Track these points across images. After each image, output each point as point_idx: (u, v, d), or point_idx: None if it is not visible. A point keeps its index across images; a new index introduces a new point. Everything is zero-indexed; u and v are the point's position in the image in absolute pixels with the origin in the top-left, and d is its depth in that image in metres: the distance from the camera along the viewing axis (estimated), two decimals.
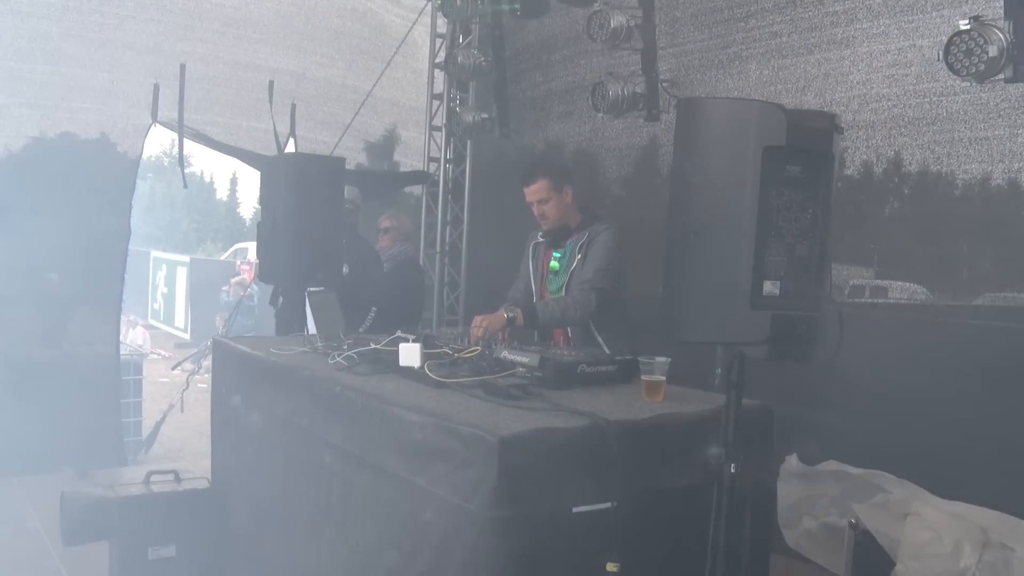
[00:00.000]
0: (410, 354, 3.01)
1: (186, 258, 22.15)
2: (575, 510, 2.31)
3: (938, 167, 4.23)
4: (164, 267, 21.50)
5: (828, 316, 2.16)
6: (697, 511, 2.50)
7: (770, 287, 2.09)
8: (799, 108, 3.88)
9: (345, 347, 3.37)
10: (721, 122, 2.12)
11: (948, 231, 4.40)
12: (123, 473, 6.15)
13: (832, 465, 4.20)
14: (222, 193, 47.49)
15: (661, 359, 2.79)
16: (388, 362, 3.13)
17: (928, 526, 3.67)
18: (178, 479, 3.91)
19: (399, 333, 3.37)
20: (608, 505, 2.33)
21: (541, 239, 4.12)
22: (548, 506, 2.26)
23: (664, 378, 2.78)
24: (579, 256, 3.88)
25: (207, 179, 45.11)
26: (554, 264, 4.02)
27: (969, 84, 3.78)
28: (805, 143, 2.09)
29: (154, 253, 23.30)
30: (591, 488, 2.33)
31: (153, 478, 3.87)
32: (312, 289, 4.00)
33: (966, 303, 4.35)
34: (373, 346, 3.29)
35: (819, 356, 2.16)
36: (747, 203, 2.05)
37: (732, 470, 2.23)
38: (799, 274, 2.12)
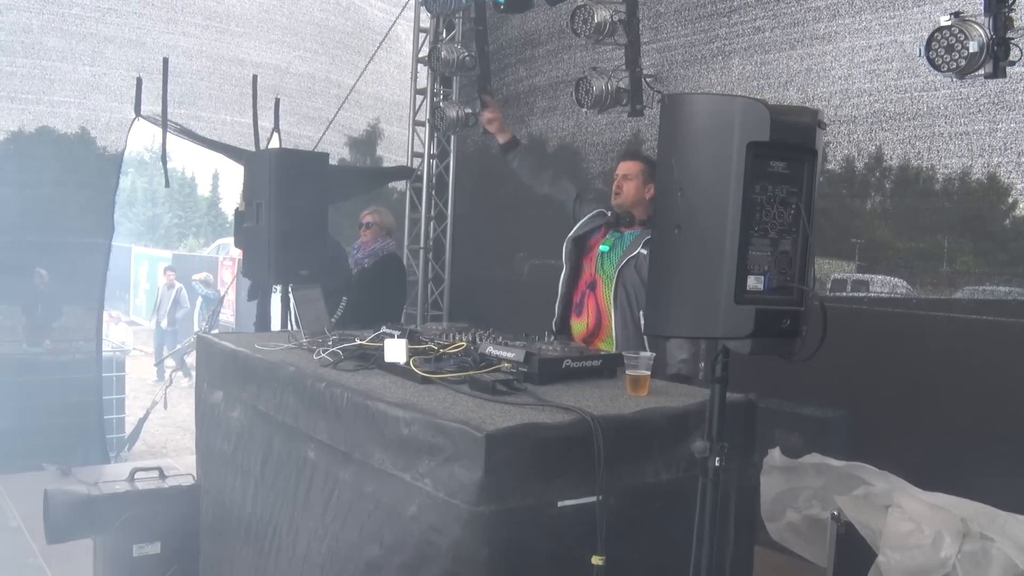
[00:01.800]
0: (395, 350, 3.01)
1: (168, 254, 22.04)
2: (560, 504, 2.31)
3: (919, 162, 4.27)
4: (146, 263, 21.39)
5: (811, 311, 2.18)
6: (682, 504, 2.52)
7: (754, 282, 2.09)
8: (782, 103, 3.91)
9: (330, 343, 3.37)
10: (705, 118, 2.12)
11: (929, 225, 4.44)
12: (107, 470, 6.13)
13: (814, 458, 4.22)
14: (204, 189, 47.27)
15: (645, 354, 2.81)
16: (373, 358, 3.13)
17: (909, 517, 3.68)
18: (162, 476, 3.90)
19: (384, 329, 3.37)
20: (593, 499, 2.34)
21: (608, 213, 4.10)
22: (534, 500, 2.27)
23: (649, 373, 2.79)
24: (644, 252, 3.79)
25: (188, 175, 44.86)
26: (604, 246, 4.02)
27: (950, 79, 3.81)
28: (788, 138, 2.10)
29: (135, 249, 23.17)
30: (576, 482, 2.34)
31: (137, 475, 3.86)
32: (296, 285, 3.99)
33: (947, 296, 4.39)
34: (358, 342, 3.28)
35: (802, 351, 2.18)
36: (731, 198, 2.06)
37: (716, 464, 2.25)
38: (783, 269, 2.14)
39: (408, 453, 2.45)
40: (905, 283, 4.61)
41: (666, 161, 2.21)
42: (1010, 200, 4.07)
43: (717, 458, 2.25)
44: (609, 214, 4.09)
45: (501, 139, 4.40)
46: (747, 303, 2.09)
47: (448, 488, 2.28)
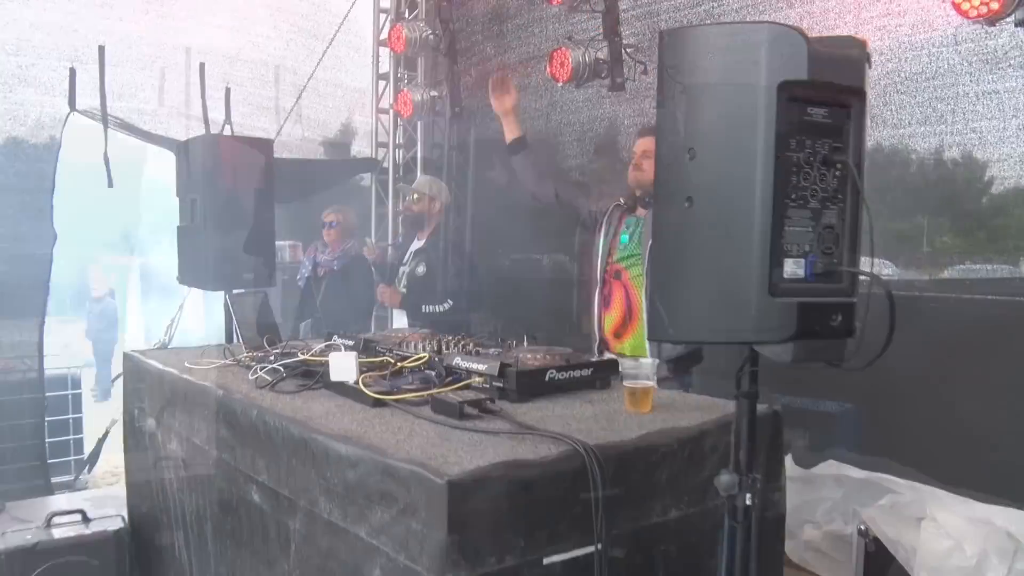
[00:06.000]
0: (343, 365, 2.49)
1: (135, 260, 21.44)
2: (547, 561, 1.82)
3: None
4: (114, 273, 20.79)
5: (870, 301, 1.65)
6: (692, 545, 2.05)
7: (793, 267, 1.59)
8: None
9: (271, 359, 2.85)
10: (721, 54, 1.60)
11: (909, 205, 4.19)
12: (46, 504, 5.57)
13: (831, 467, 3.82)
14: None
15: (647, 360, 2.31)
16: (318, 376, 2.61)
17: (947, 533, 3.29)
18: (86, 520, 3.34)
19: (335, 339, 2.87)
20: (589, 550, 1.85)
21: (621, 202, 3.87)
22: (514, 561, 1.76)
23: (652, 383, 2.29)
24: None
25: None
26: (624, 236, 3.80)
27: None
28: (831, 76, 1.58)
29: (101, 258, 22.55)
30: (566, 531, 1.85)
31: (55, 520, 3.30)
32: (236, 291, 3.46)
33: (932, 276, 4.13)
34: (301, 357, 2.76)
35: (861, 354, 1.65)
36: (759, 158, 1.54)
37: (748, 502, 1.74)
38: (827, 249, 1.63)
39: (357, 502, 1.93)
40: (890, 263, 4.25)
41: (669, 115, 1.69)
42: None
43: (748, 495, 1.74)
44: (623, 201, 3.84)
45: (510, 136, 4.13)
46: (785, 295, 1.57)
47: (408, 550, 1.77)
